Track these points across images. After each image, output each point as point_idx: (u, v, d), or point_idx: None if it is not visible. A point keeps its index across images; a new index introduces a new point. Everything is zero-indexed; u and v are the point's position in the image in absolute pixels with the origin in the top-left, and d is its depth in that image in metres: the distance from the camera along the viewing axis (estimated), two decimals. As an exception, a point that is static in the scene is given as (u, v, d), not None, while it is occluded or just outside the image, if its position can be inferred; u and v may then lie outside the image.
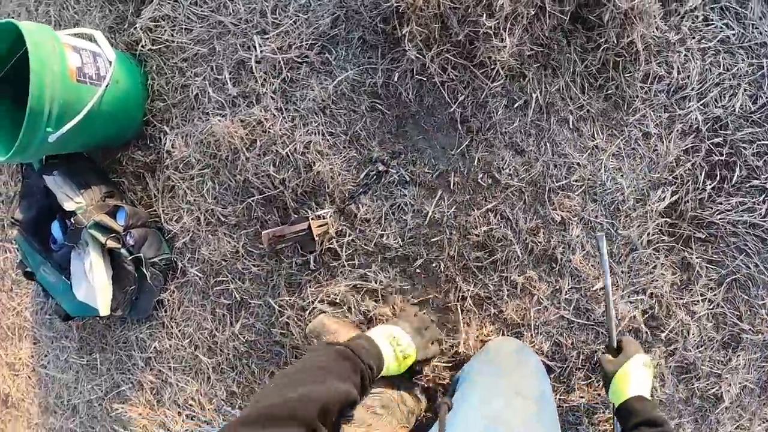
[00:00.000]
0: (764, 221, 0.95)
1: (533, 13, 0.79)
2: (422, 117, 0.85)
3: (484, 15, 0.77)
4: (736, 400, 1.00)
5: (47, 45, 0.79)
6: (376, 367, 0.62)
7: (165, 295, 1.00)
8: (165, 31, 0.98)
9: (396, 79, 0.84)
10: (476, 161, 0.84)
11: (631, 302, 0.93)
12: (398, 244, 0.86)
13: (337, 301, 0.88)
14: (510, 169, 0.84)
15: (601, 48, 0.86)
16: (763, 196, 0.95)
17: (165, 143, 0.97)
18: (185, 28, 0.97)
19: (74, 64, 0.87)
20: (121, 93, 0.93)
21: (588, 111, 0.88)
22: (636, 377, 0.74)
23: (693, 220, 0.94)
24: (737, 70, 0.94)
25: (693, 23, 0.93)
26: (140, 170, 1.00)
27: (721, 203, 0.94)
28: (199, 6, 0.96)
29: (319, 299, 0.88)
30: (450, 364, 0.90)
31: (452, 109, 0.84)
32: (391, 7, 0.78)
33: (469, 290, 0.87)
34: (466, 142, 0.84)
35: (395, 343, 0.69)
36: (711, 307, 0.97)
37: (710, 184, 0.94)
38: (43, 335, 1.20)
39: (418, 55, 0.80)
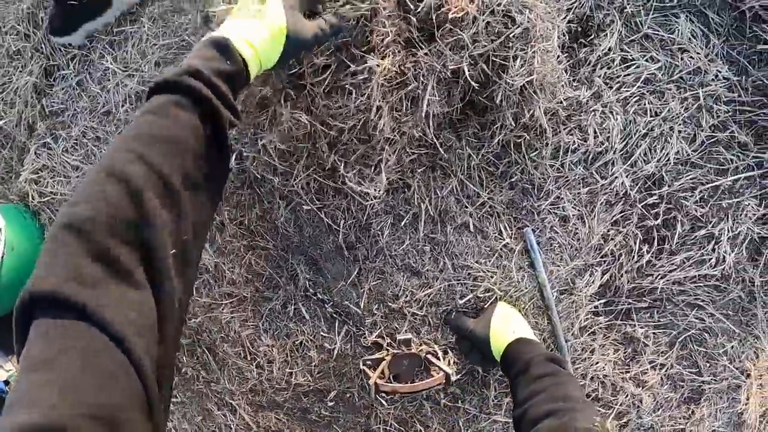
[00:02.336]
0: (715, 270, 0.72)
1: (417, 135, 0.56)
2: (308, 248, 0.66)
3: (361, 142, 0.55)
4: (705, 444, 0.83)
5: None
6: (237, 64, 0.34)
7: None
8: (48, 182, 0.81)
9: (270, 215, 0.65)
10: (368, 291, 0.66)
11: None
12: (308, 380, 0.71)
13: None
14: (407, 295, 0.65)
15: (498, 132, 0.62)
16: (713, 243, 0.71)
17: None
18: (63, 179, 0.80)
19: (-46, 248, 0.73)
20: (20, 257, 0.78)
21: (491, 207, 0.65)
22: (510, 323, 0.58)
23: (632, 292, 0.72)
24: (668, 111, 0.67)
25: (609, 69, 0.66)
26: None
27: (663, 266, 0.71)
28: (70, 154, 0.78)
29: None
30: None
31: (333, 237, 0.65)
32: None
33: (389, 413, 0.71)
34: (356, 271, 0.65)
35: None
36: (663, 371, 0.77)
37: (647, 250, 0.71)
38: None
39: (283, 183, 0.60)
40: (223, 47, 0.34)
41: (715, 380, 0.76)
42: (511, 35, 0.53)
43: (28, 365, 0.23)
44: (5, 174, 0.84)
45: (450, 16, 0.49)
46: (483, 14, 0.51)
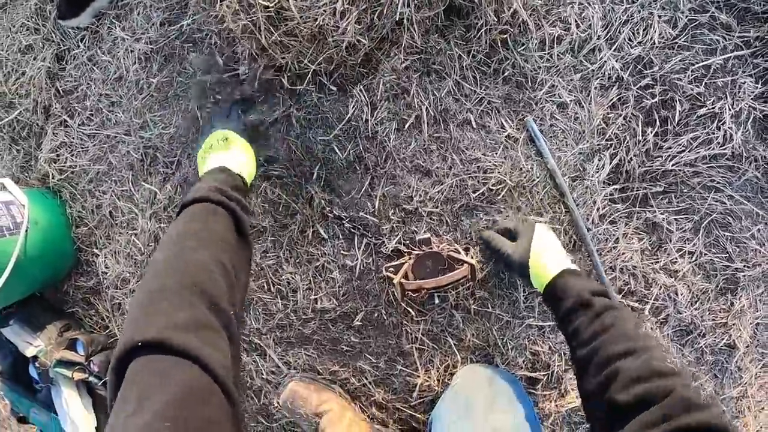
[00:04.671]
0: (724, 149, 0.73)
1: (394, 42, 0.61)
2: (319, 168, 0.70)
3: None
4: (752, 342, 0.80)
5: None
6: (241, 182, 0.54)
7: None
8: (66, 158, 0.86)
9: (277, 140, 0.69)
10: (381, 197, 0.68)
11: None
12: (333, 304, 0.72)
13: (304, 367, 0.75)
14: (420, 195, 0.67)
15: (483, 31, 0.67)
16: (716, 122, 0.73)
17: (99, 265, 0.86)
18: (81, 150, 0.85)
19: (-17, 222, 0.78)
20: (43, 232, 0.82)
21: (489, 102, 0.69)
22: (551, 250, 0.55)
23: (645, 176, 0.74)
24: (644, -2, 0.72)
25: (578, -34, 0.72)
26: (87, 295, 0.88)
27: (670, 147, 0.73)
28: (86, 125, 0.84)
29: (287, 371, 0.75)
30: (420, 403, 0.75)
31: (345, 153, 0.68)
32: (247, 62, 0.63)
33: (419, 329, 0.71)
34: (368, 181, 0.68)
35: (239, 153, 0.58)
36: (693, 259, 0.76)
37: (651, 131, 0.73)
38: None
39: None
40: (225, 170, 0.53)
41: (747, 266, 0.75)
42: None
43: (132, 399, 0.29)
44: (25, 163, 0.90)
45: None
46: None
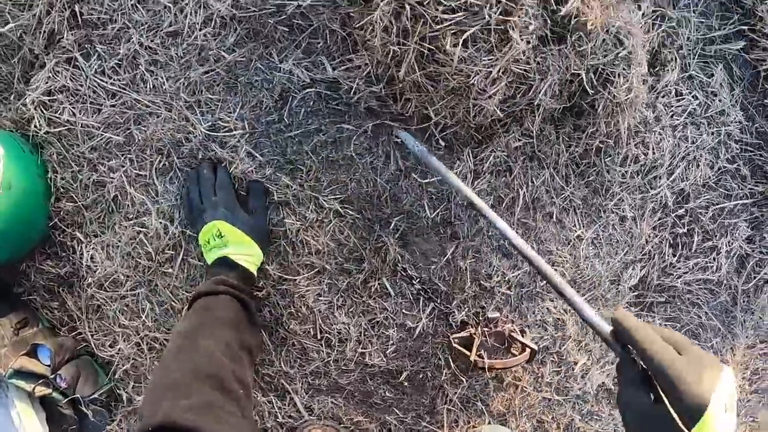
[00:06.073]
0: (713, 276, 0.93)
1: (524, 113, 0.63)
2: (399, 219, 0.68)
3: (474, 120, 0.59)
4: None
5: None
6: (245, 272, 0.59)
7: (113, 425, 0.78)
8: (65, 108, 0.67)
9: (366, 180, 0.65)
10: (463, 270, 0.70)
11: (608, 374, 0.89)
12: (382, 360, 0.72)
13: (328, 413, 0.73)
14: (498, 276, 0.71)
15: (587, 135, 0.73)
16: (714, 253, 0.92)
17: (82, 255, 0.69)
18: (92, 106, 0.67)
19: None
20: (17, 199, 0.62)
21: (571, 201, 0.75)
22: (733, 413, 0.35)
23: (657, 288, 0.90)
24: (701, 141, 0.86)
25: (667, 99, 0.82)
26: (53, 284, 0.71)
27: (680, 268, 0.90)
28: (108, 77, 0.66)
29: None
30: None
31: (435, 213, 0.68)
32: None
33: (456, 393, 0.76)
34: (451, 249, 0.69)
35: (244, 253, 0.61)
36: (665, 359, 0.96)
37: (672, 253, 0.89)
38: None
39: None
40: (227, 263, 0.59)
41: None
42: (618, 55, 0.63)
43: None
44: (-3, 93, 0.68)
45: (589, 27, 0.57)
46: (602, 31, 0.60)
